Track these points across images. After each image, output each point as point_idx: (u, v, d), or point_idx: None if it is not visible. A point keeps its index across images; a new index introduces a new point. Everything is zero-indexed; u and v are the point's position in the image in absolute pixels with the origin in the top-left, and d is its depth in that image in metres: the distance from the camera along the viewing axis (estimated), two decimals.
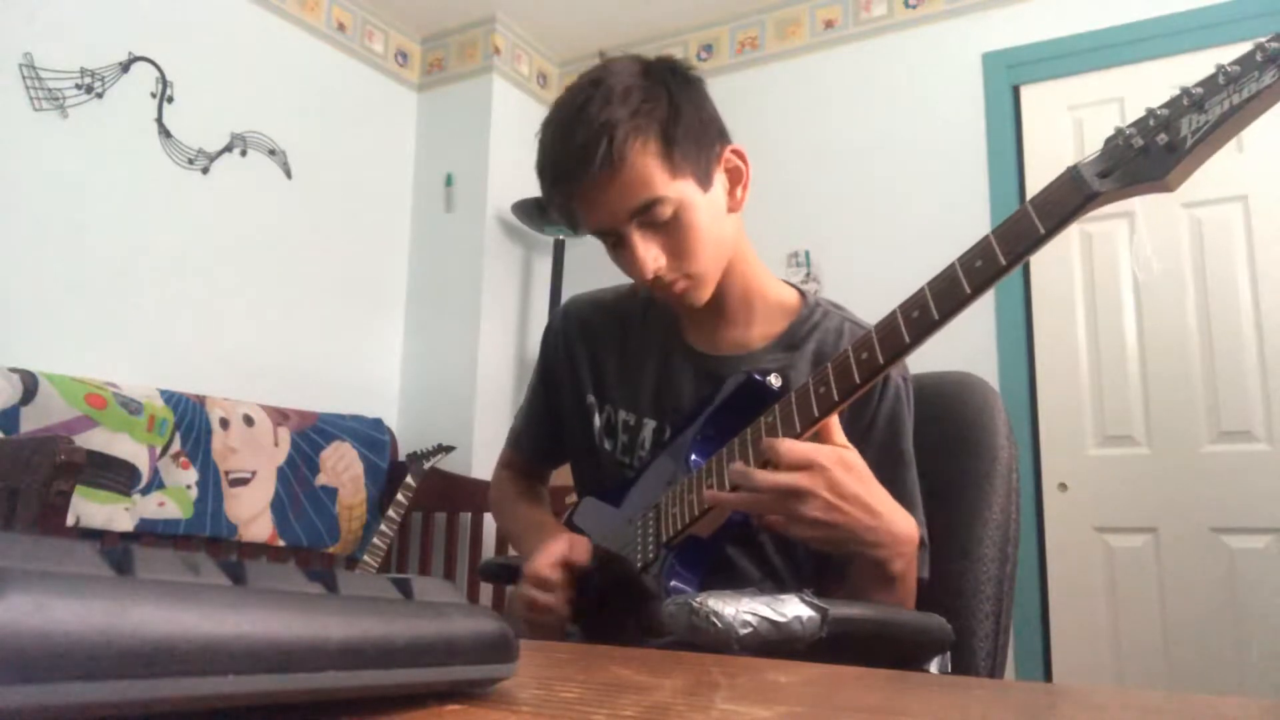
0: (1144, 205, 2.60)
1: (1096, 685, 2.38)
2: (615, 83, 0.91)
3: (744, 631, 0.68)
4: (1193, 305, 2.54)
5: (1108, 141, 0.69)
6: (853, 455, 0.82)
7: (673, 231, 0.93)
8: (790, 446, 0.80)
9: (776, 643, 0.69)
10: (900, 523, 0.84)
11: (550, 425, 1.19)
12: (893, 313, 0.78)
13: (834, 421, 0.84)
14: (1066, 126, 2.76)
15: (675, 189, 0.92)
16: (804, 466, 0.79)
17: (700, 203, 0.94)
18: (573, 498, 1.16)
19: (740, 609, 0.69)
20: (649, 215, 0.92)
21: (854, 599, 0.86)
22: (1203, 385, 2.50)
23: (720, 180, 0.98)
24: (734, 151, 0.99)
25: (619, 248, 0.96)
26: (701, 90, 0.98)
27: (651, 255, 0.93)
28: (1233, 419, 2.45)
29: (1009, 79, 2.84)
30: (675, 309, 1.05)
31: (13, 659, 0.20)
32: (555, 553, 0.96)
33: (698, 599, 0.69)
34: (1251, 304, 2.47)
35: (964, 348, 2.51)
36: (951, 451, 1.04)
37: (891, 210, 2.93)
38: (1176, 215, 2.59)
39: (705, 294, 0.99)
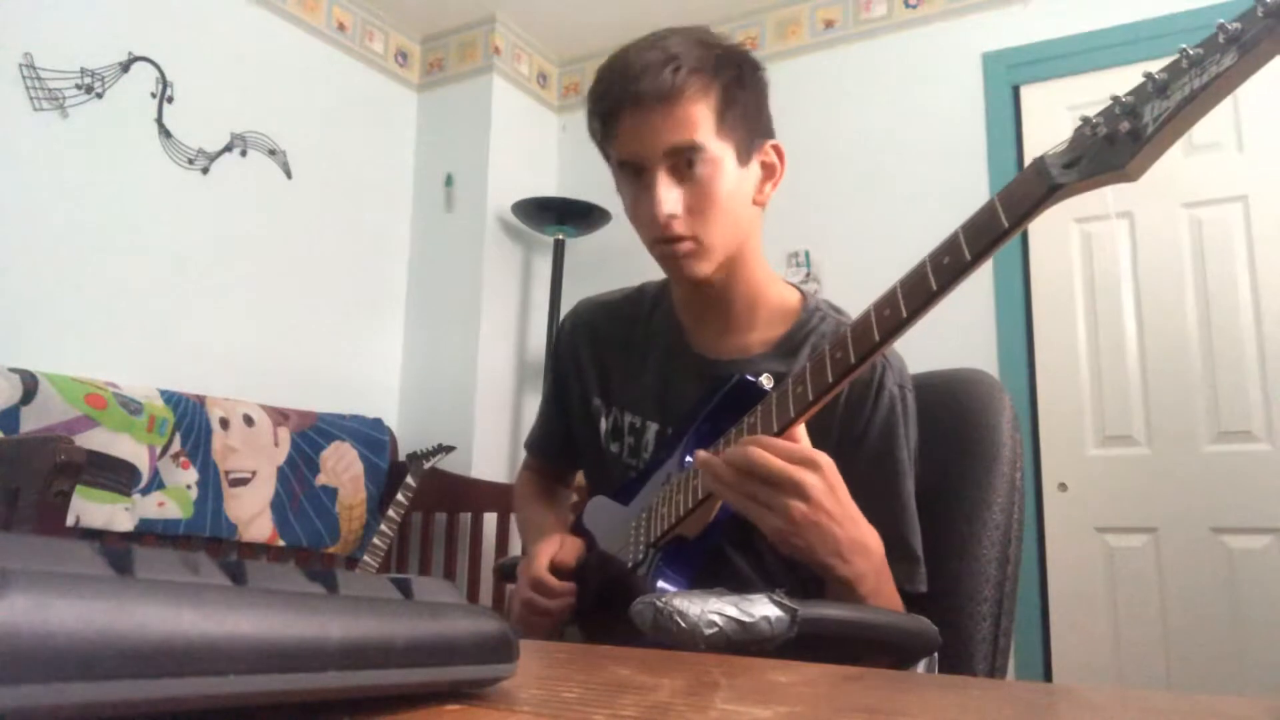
0: (1142, 204, 2.60)
1: (1096, 685, 2.38)
2: (699, 34, 0.96)
3: (709, 631, 0.67)
4: (1193, 305, 2.54)
5: (1076, 131, 0.67)
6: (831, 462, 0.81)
7: (698, 185, 0.93)
8: (787, 444, 0.79)
9: (744, 643, 0.68)
10: (867, 535, 0.82)
11: (563, 427, 1.19)
12: (867, 310, 0.78)
13: (801, 430, 0.83)
14: (1066, 126, 2.72)
15: (716, 145, 0.93)
16: (805, 463, 0.78)
17: (732, 171, 0.95)
18: (574, 498, 1.16)
19: (706, 609, 0.68)
20: (683, 159, 0.93)
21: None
22: (1203, 385, 2.50)
23: (755, 168, 0.99)
24: (774, 148, 1.01)
25: (640, 185, 0.95)
26: (765, 84, 1.00)
27: (672, 197, 0.93)
28: (1233, 419, 2.45)
29: (1009, 79, 2.84)
30: (674, 276, 1.02)
31: (13, 659, 0.20)
32: (547, 555, 0.98)
33: (663, 598, 0.69)
34: (1251, 304, 2.47)
35: (964, 347, 2.51)
36: (952, 449, 1.01)
37: (892, 210, 2.93)
38: (1176, 215, 2.59)
39: (707, 267, 0.96)
